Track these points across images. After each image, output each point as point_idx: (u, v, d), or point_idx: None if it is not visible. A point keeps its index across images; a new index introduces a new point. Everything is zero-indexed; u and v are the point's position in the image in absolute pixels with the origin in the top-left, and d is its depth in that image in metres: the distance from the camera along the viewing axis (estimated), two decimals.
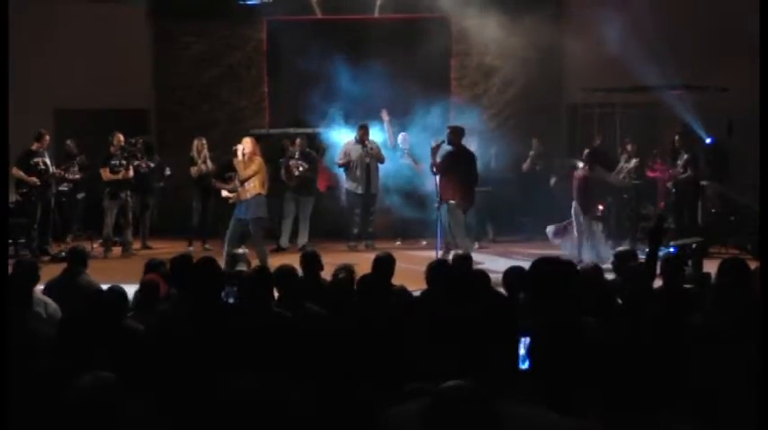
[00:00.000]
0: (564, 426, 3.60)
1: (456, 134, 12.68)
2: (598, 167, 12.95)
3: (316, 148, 15.28)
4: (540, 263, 4.98)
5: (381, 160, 14.41)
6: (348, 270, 7.36)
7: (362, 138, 14.37)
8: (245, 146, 11.99)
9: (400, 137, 14.95)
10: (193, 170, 14.58)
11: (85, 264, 8.46)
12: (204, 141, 14.71)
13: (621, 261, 7.81)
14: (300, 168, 14.52)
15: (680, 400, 4.45)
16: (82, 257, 8.45)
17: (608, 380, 4.33)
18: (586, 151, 13.00)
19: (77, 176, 14.70)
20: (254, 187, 11.94)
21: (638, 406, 3.91)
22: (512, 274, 6.82)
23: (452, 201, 12.49)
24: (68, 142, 14.96)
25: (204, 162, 14.58)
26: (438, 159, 12.39)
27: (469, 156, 12.81)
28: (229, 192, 12.54)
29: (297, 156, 14.61)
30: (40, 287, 7.36)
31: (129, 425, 4.04)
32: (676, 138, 14.17)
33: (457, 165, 12.48)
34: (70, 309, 6.89)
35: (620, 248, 8.61)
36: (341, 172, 14.83)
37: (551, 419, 3.61)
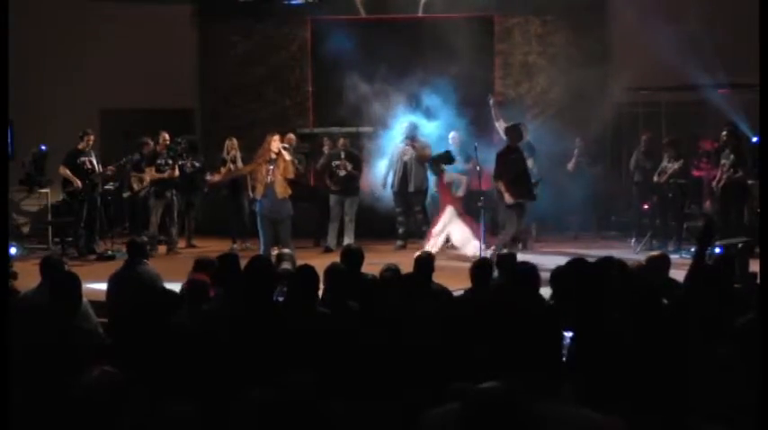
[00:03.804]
0: (598, 423, 3.60)
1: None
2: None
3: (359, 148, 15.28)
4: (577, 262, 4.94)
5: (423, 159, 14.04)
6: (392, 269, 7.39)
7: (410, 136, 14.19)
8: (276, 143, 11.93)
9: (450, 135, 14.69)
10: (223, 170, 14.60)
11: (145, 254, 8.60)
12: (235, 141, 14.75)
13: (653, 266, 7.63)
14: (348, 168, 14.38)
15: (715, 402, 4.40)
16: (139, 249, 8.55)
17: (641, 380, 4.30)
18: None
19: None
20: (288, 187, 11.91)
21: (669, 408, 3.88)
22: (557, 274, 6.71)
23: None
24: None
25: (234, 161, 14.59)
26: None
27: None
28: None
29: (343, 157, 14.48)
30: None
31: (174, 425, 4.07)
32: (723, 134, 13.87)
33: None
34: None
35: (653, 253, 8.35)
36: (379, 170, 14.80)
37: (585, 416, 3.61)
